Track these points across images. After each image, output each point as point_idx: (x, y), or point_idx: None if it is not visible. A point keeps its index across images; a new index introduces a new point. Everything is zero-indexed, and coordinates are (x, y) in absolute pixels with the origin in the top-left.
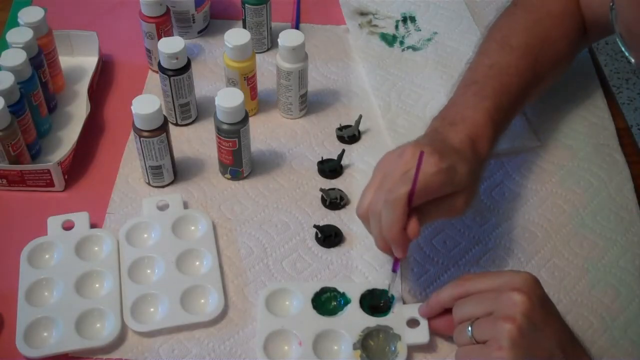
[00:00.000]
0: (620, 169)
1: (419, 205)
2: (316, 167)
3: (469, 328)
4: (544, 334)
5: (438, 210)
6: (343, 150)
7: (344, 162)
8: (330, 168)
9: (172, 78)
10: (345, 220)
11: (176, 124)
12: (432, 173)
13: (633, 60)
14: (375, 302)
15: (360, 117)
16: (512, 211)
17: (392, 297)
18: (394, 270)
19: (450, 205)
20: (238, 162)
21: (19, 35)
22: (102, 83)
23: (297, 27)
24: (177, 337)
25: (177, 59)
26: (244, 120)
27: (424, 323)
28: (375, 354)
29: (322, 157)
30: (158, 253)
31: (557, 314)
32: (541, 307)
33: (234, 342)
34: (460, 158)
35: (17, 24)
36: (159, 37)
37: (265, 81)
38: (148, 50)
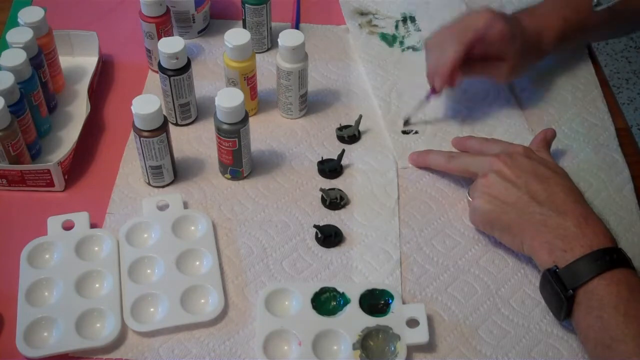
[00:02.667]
0: (620, 169)
1: (469, 60)
2: (316, 167)
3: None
4: (513, 185)
5: (484, 68)
6: (343, 150)
7: (344, 162)
8: (330, 168)
9: (172, 78)
10: (345, 220)
11: (176, 124)
12: (497, 32)
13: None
14: (375, 302)
15: (360, 117)
16: None
17: (392, 297)
18: (427, 98)
19: (497, 68)
20: (238, 162)
21: (19, 35)
22: (102, 83)
23: (297, 27)
24: (177, 337)
25: (177, 59)
26: (244, 120)
27: (423, 323)
28: (374, 354)
29: (322, 157)
30: (158, 253)
31: (536, 173)
32: (513, 167)
33: (234, 342)
34: (523, 34)
35: (17, 24)
36: (159, 37)
37: (265, 81)
38: (148, 50)
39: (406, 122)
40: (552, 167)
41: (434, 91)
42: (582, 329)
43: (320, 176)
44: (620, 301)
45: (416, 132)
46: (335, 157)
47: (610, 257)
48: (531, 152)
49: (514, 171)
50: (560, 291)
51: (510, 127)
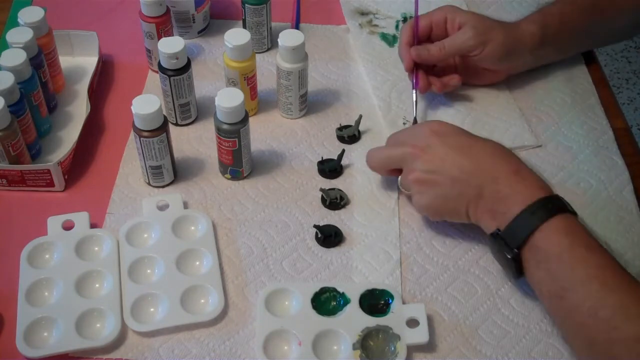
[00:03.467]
0: (620, 171)
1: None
2: (316, 167)
3: (399, 180)
4: (441, 168)
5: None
6: (343, 150)
7: (344, 162)
8: (330, 168)
9: (172, 78)
10: (345, 220)
11: (176, 124)
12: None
13: None
14: (375, 302)
15: (360, 117)
16: None
17: (392, 297)
18: (413, 87)
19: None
20: (238, 162)
21: (19, 35)
22: (102, 83)
23: (297, 27)
24: (177, 337)
25: (177, 59)
26: (244, 120)
27: (423, 323)
28: (374, 354)
29: (322, 157)
30: (158, 253)
31: (456, 146)
32: (432, 152)
33: (234, 342)
34: (497, 27)
35: (17, 24)
36: (159, 37)
37: (265, 81)
38: (148, 50)
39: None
40: (464, 133)
41: (415, 83)
42: (535, 285)
43: (320, 176)
44: (564, 250)
45: None
46: (335, 157)
47: (545, 207)
48: (440, 127)
49: (434, 160)
50: (508, 252)
51: (510, 127)
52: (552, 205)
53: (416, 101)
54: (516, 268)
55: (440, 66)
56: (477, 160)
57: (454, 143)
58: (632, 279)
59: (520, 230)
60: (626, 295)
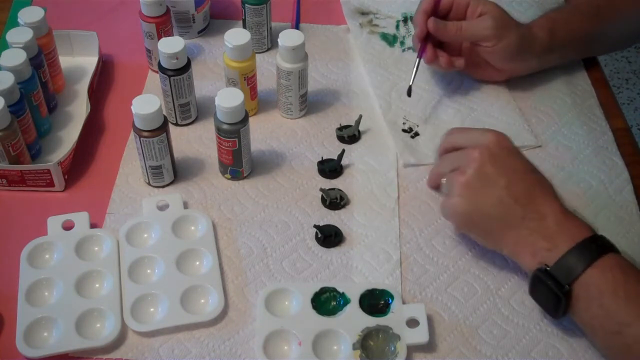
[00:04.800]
0: (619, 171)
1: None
2: (316, 167)
3: (443, 180)
4: (494, 184)
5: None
6: (343, 150)
7: (344, 162)
8: (330, 168)
9: (172, 78)
10: (345, 220)
11: (176, 124)
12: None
13: None
14: (375, 302)
15: (360, 117)
16: None
17: (392, 297)
18: (418, 56)
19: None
20: (238, 162)
21: (19, 35)
22: (102, 83)
23: (297, 27)
24: (177, 337)
25: (177, 59)
26: (244, 120)
27: (423, 323)
28: (374, 354)
29: (322, 157)
30: (158, 253)
31: (514, 169)
32: (493, 163)
33: (234, 342)
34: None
35: (17, 24)
36: (159, 37)
37: (265, 81)
38: (148, 50)
39: (409, 92)
40: (523, 158)
41: (421, 51)
42: (586, 322)
43: (320, 176)
44: (618, 285)
45: (417, 134)
46: (335, 158)
47: (595, 245)
48: (506, 141)
49: (491, 171)
50: (557, 289)
51: (510, 127)
52: (601, 243)
53: (416, 69)
54: (563, 305)
55: (448, 47)
56: (529, 191)
57: (514, 165)
58: None
59: (572, 266)
60: None
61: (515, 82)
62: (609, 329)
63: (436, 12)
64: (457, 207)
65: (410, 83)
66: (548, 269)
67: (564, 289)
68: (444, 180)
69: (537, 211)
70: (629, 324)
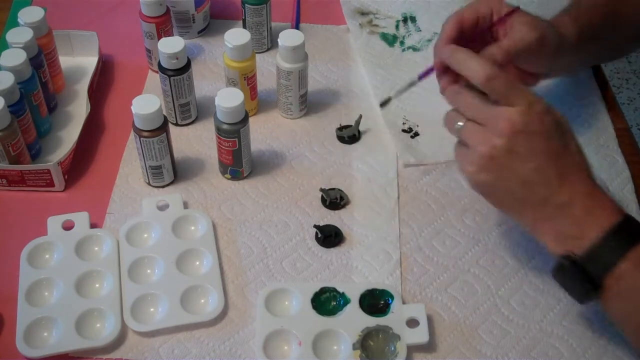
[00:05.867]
0: (620, 170)
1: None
2: (316, 167)
3: (460, 124)
4: (521, 165)
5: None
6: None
7: (344, 162)
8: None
9: (172, 78)
10: (345, 220)
11: (176, 124)
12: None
13: None
14: (375, 302)
15: (360, 117)
16: None
17: (392, 297)
18: (419, 77)
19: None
20: (238, 162)
21: (19, 35)
22: (102, 83)
23: (297, 27)
24: (177, 337)
25: (177, 59)
26: (244, 120)
27: (423, 323)
28: (374, 354)
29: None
30: (158, 253)
31: (548, 152)
32: (525, 139)
33: (234, 342)
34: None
35: (17, 24)
36: (159, 37)
37: (265, 81)
38: (148, 50)
39: (384, 103)
40: (562, 136)
41: (429, 70)
42: (619, 316)
43: (318, 177)
44: None
45: (417, 134)
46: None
47: (626, 233)
48: (550, 113)
49: (528, 149)
50: (587, 281)
51: None
52: (632, 229)
53: (408, 88)
54: (592, 297)
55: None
56: (559, 176)
57: (548, 147)
58: None
59: (604, 260)
60: None
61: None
62: None
63: (460, 34)
64: (475, 177)
65: (391, 95)
66: (577, 259)
67: (595, 282)
68: (460, 124)
69: (564, 194)
70: None
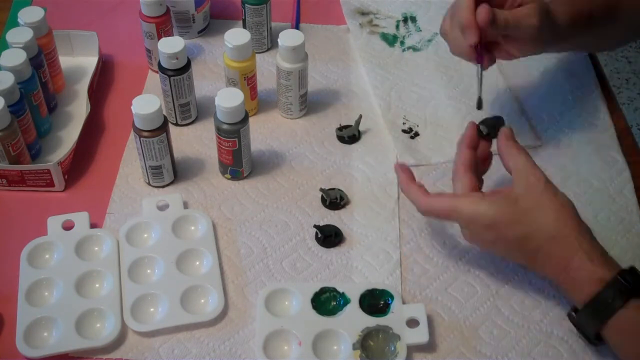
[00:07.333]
0: (620, 169)
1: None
2: (316, 167)
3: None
4: (504, 245)
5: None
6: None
7: (344, 162)
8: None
9: (172, 78)
10: (345, 220)
11: (176, 124)
12: None
13: None
14: (375, 302)
15: (360, 117)
16: None
17: (392, 297)
18: (478, 62)
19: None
20: (238, 162)
21: (19, 35)
22: (102, 83)
23: (297, 27)
24: (177, 337)
25: (177, 59)
26: (244, 120)
27: (423, 323)
28: (374, 354)
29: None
30: (158, 253)
31: (511, 237)
32: (505, 233)
33: (234, 342)
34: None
35: (17, 24)
36: (159, 37)
37: (265, 81)
38: (148, 50)
39: (479, 104)
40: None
41: (478, 59)
42: (623, 357)
43: (318, 177)
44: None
45: (416, 134)
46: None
47: (620, 288)
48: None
49: (507, 239)
50: (584, 334)
51: (510, 126)
52: (629, 281)
53: (481, 78)
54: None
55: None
56: (545, 256)
57: (526, 231)
58: None
59: (593, 319)
60: None
61: (516, 81)
62: None
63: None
64: (470, 241)
65: (479, 94)
66: (573, 318)
67: (594, 340)
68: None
69: (553, 265)
70: None
